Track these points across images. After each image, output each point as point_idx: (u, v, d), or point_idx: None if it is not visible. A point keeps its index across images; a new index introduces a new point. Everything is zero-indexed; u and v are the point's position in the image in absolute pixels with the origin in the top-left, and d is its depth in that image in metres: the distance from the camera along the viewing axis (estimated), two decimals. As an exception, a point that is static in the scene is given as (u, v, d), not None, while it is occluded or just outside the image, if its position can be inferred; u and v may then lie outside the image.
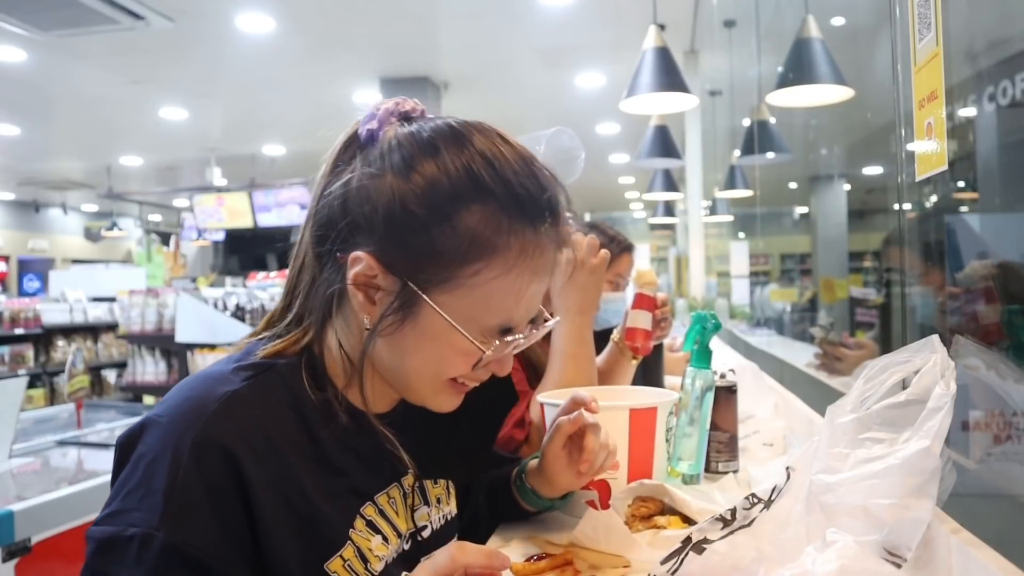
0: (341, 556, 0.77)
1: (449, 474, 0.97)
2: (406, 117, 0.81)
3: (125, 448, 0.74)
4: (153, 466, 0.70)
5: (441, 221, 0.73)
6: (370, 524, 0.82)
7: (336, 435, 0.80)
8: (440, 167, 0.74)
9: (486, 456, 1.02)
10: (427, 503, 0.93)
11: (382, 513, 0.84)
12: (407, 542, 0.88)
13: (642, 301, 1.48)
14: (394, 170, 0.75)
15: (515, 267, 0.76)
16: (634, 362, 1.56)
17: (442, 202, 0.73)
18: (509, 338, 0.79)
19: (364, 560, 0.80)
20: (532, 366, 1.44)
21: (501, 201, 0.74)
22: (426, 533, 0.91)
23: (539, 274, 0.78)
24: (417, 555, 0.89)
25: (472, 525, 1.10)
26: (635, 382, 1.62)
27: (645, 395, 1.29)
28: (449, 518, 0.97)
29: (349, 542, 0.79)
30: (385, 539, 0.83)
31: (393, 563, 0.84)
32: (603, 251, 1.38)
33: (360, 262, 0.75)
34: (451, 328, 0.76)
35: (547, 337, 1.53)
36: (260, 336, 0.85)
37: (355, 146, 0.81)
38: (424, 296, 0.75)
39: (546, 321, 0.85)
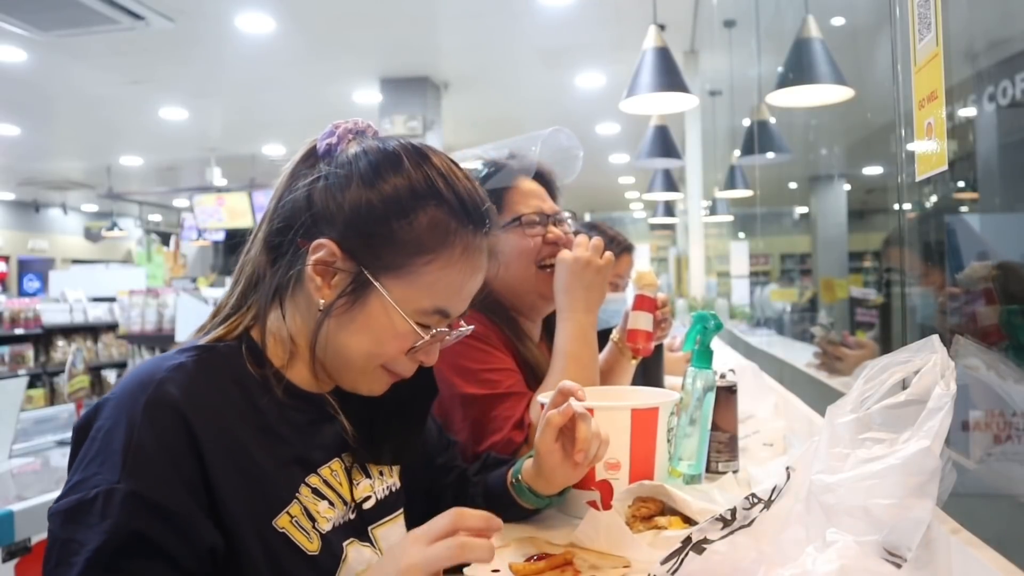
0: (288, 512, 0.82)
1: (380, 459, 0.99)
2: (361, 134, 0.92)
3: (82, 431, 0.78)
4: (110, 434, 0.75)
5: (400, 216, 0.85)
6: (315, 491, 0.87)
7: (277, 409, 0.86)
8: (403, 173, 0.86)
9: (415, 443, 1.05)
10: (368, 475, 0.97)
11: (326, 483, 0.89)
12: (352, 512, 0.92)
13: (642, 302, 1.48)
14: (361, 172, 0.86)
15: (458, 262, 0.87)
16: (633, 362, 1.56)
17: (403, 200, 0.85)
18: (443, 328, 0.89)
19: (312, 519, 0.84)
20: (530, 367, 1.43)
21: (452, 207, 0.86)
22: (370, 503, 0.95)
23: (476, 272, 0.90)
24: (363, 525, 0.93)
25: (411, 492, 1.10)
26: (635, 382, 1.62)
27: (647, 395, 1.29)
28: (393, 490, 1.00)
29: (296, 501, 0.84)
30: (331, 504, 0.88)
31: (340, 529, 0.88)
32: (608, 253, 1.39)
33: (323, 248, 0.84)
34: (394, 312, 0.85)
35: (546, 338, 1.53)
36: (205, 330, 0.91)
37: (314, 158, 0.92)
38: (375, 282, 0.84)
39: (463, 325, 0.93)
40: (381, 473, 0.99)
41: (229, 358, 0.85)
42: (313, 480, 0.87)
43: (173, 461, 0.75)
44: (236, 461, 0.79)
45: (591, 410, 1.08)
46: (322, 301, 0.85)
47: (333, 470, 0.91)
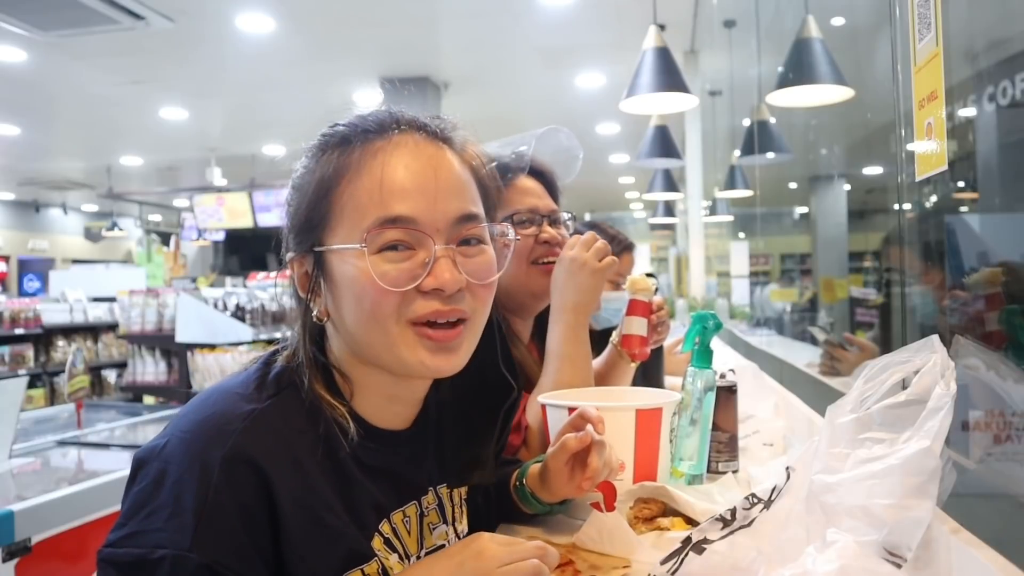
0: (363, 571, 0.78)
1: (472, 478, 0.98)
2: None
3: (142, 464, 0.73)
4: (179, 485, 0.69)
5: (303, 185, 0.81)
6: (387, 542, 0.82)
7: (355, 452, 0.80)
8: (304, 158, 0.83)
9: (500, 451, 1.03)
10: (446, 522, 0.93)
11: (395, 532, 0.84)
12: None
13: (635, 307, 1.48)
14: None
15: (362, 168, 0.78)
16: (632, 365, 1.55)
17: (305, 173, 0.82)
18: (412, 231, 0.77)
19: None
20: (520, 368, 1.42)
21: (336, 138, 0.81)
22: None
23: (396, 160, 0.78)
24: None
25: (470, 526, 1.10)
26: (635, 383, 1.61)
27: (650, 395, 1.29)
28: (463, 536, 0.97)
29: (375, 559, 0.79)
30: (401, 558, 0.84)
31: None
32: (610, 258, 1.36)
33: (292, 264, 0.82)
34: (347, 253, 0.77)
35: (536, 338, 1.53)
36: (274, 358, 0.85)
37: None
38: (319, 248, 0.79)
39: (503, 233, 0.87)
40: (455, 518, 0.96)
41: (307, 397, 0.79)
42: (385, 528, 0.83)
43: (249, 528, 0.69)
44: (315, 517, 0.74)
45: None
46: (316, 313, 0.80)
47: (406, 515, 0.86)
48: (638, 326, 1.47)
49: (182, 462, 0.70)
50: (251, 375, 0.80)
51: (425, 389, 0.89)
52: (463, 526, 0.98)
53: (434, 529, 0.90)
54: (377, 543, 0.81)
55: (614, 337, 1.56)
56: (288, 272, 0.83)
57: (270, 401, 0.76)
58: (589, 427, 0.98)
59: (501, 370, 0.96)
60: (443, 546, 0.91)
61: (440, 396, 0.92)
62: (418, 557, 0.87)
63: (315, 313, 0.80)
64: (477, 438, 0.96)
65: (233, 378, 0.81)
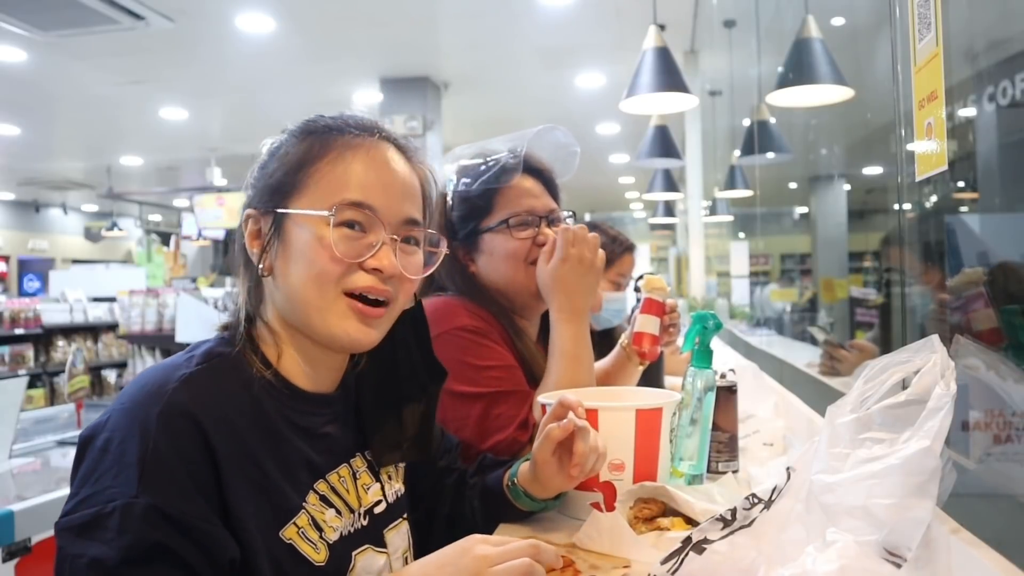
0: (295, 524, 0.82)
1: (399, 456, 1.02)
2: None
3: (87, 442, 0.77)
4: (122, 445, 0.73)
5: (283, 151, 0.90)
6: (323, 499, 0.87)
7: (285, 415, 0.86)
8: (288, 131, 0.94)
9: (431, 437, 1.04)
10: (378, 479, 0.98)
11: (334, 490, 0.89)
12: (363, 518, 0.92)
13: (651, 306, 1.48)
14: (271, 149, 0.94)
15: (348, 155, 0.88)
16: (640, 367, 1.55)
17: (286, 142, 0.92)
18: (367, 213, 0.86)
19: (319, 529, 0.84)
20: (526, 364, 1.42)
21: (328, 125, 0.91)
22: (381, 508, 0.96)
23: (374, 161, 0.89)
24: (375, 529, 0.94)
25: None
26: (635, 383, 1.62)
27: (649, 396, 1.28)
28: (399, 495, 1.02)
29: (303, 511, 0.83)
30: (338, 512, 0.88)
31: (350, 538, 0.88)
32: (593, 234, 1.36)
33: (248, 218, 0.90)
34: (307, 219, 0.85)
35: (542, 337, 1.53)
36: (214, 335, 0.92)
37: None
38: (283, 210, 0.87)
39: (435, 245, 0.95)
40: (390, 477, 1.01)
41: (235, 363, 0.85)
42: (321, 487, 0.87)
43: (191, 471, 0.74)
44: (247, 471, 0.78)
45: (596, 410, 1.08)
46: (261, 266, 0.87)
47: (341, 476, 0.91)
48: (651, 324, 1.48)
49: (124, 428, 0.75)
50: (182, 354, 0.86)
51: (345, 358, 0.96)
52: (399, 485, 1.03)
53: (368, 488, 0.95)
54: (312, 499, 0.85)
55: (624, 339, 1.56)
56: (244, 227, 0.90)
57: (200, 367, 0.81)
58: (571, 414, 1.00)
59: (434, 357, 1.02)
60: (380, 502, 0.96)
61: (358, 368, 1.00)
62: (364, 514, 0.93)
63: (261, 267, 0.87)
64: (400, 419, 1.00)
65: (167, 359, 0.87)
